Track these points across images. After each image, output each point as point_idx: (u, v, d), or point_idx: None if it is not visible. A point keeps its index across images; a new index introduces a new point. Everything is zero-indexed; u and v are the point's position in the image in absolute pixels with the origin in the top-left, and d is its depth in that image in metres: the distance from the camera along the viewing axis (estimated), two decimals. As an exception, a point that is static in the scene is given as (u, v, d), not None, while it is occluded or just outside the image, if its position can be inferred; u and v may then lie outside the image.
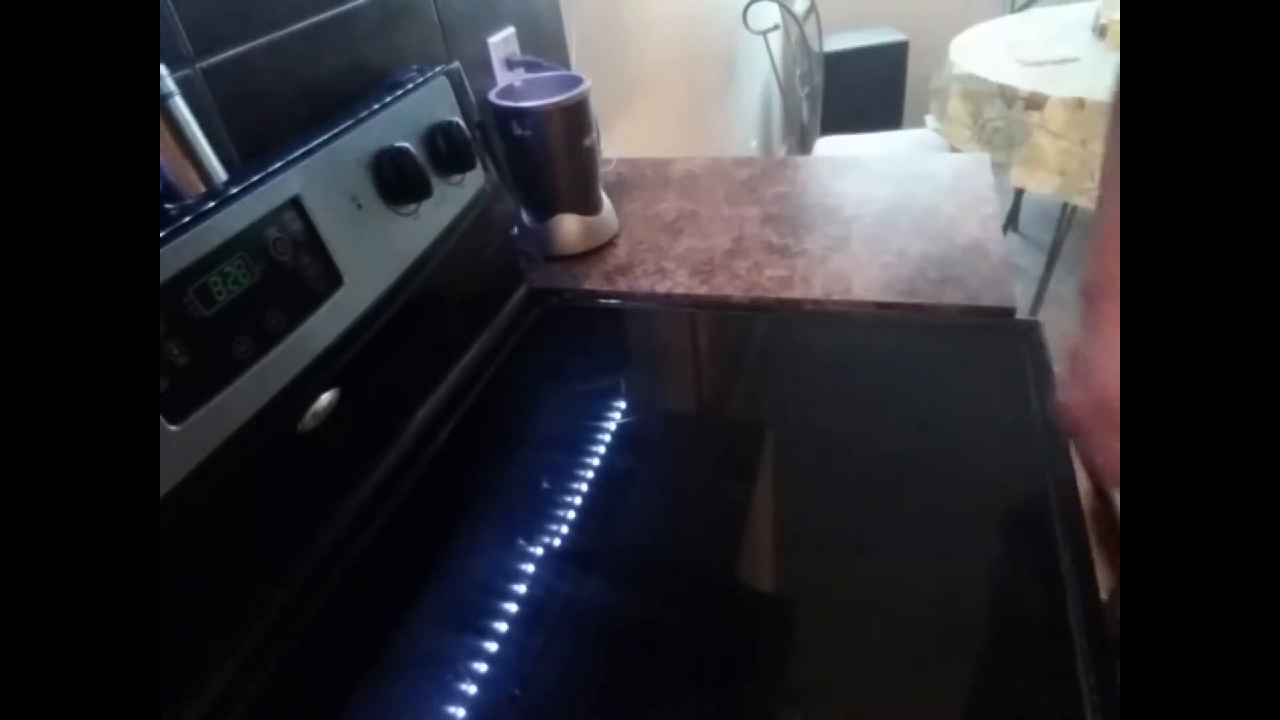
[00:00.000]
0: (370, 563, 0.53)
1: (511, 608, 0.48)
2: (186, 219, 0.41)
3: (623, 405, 0.65)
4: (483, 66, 0.84)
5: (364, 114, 0.55)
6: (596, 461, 0.58)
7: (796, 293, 0.73)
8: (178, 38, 0.48)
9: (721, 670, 0.43)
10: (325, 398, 0.50)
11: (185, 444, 0.40)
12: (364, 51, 0.64)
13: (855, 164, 0.97)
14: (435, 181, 0.61)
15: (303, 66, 0.58)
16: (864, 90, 2.78)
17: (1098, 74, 1.59)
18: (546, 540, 0.52)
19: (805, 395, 0.63)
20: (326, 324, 0.50)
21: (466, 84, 0.67)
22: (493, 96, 0.80)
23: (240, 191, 0.44)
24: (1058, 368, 0.61)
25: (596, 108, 0.83)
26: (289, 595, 0.49)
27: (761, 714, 0.41)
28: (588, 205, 0.85)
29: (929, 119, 2.09)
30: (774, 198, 0.92)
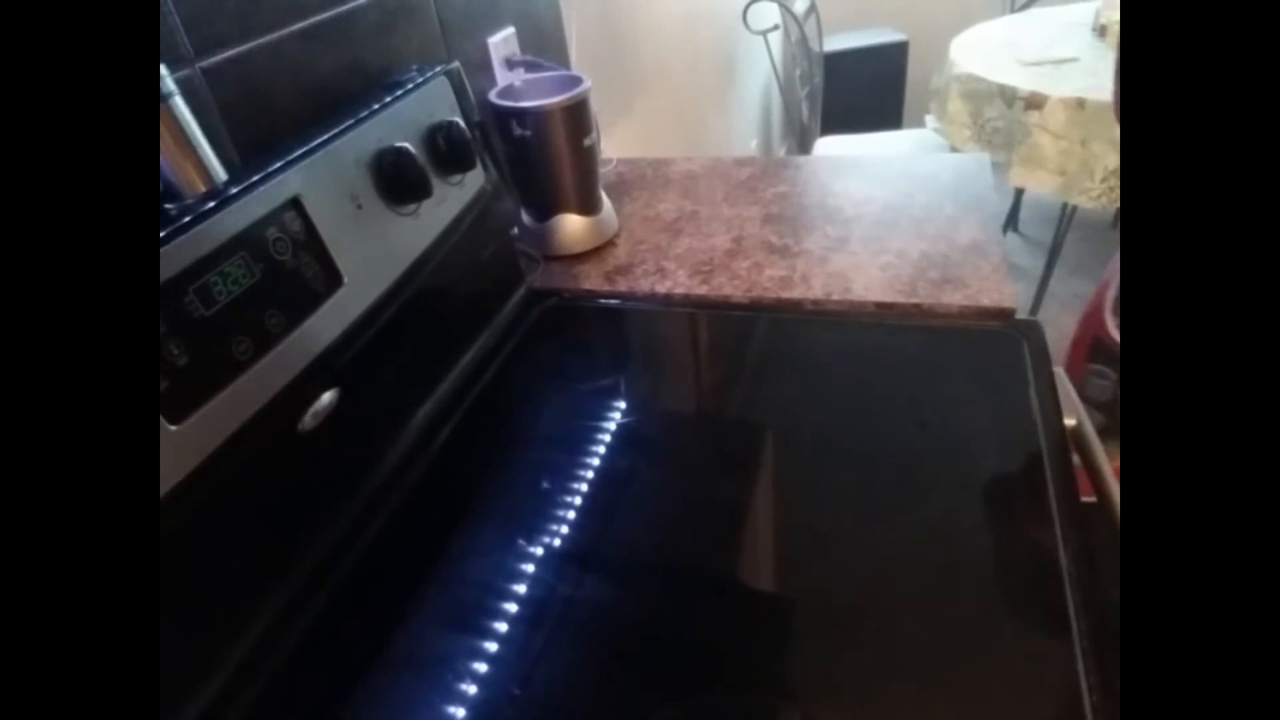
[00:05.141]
0: (370, 562, 0.53)
1: (511, 608, 0.48)
2: (186, 219, 0.41)
3: (623, 405, 0.65)
4: (483, 66, 0.84)
5: (364, 114, 0.55)
6: (596, 461, 0.58)
7: (796, 293, 0.73)
8: (178, 38, 0.48)
9: (721, 670, 0.43)
10: (325, 398, 0.50)
11: (185, 444, 0.40)
12: (364, 51, 0.64)
13: (855, 164, 0.97)
14: (435, 181, 0.61)
15: (303, 66, 0.58)
16: (864, 90, 2.78)
17: (1098, 74, 1.59)
18: (546, 540, 0.52)
19: (805, 395, 0.63)
20: (326, 324, 0.50)
21: (466, 84, 0.67)
22: (493, 96, 0.80)
23: (240, 191, 0.44)
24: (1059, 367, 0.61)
25: (596, 108, 0.83)
26: (289, 595, 0.49)
27: (761, 714, 0.41)
28: (588, 205, 0.85)
29: (929, 119, 2.09)
30: (774, 198, 0.92)
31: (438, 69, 0.64)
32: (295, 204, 0.48)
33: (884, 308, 0.70)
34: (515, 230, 0.86)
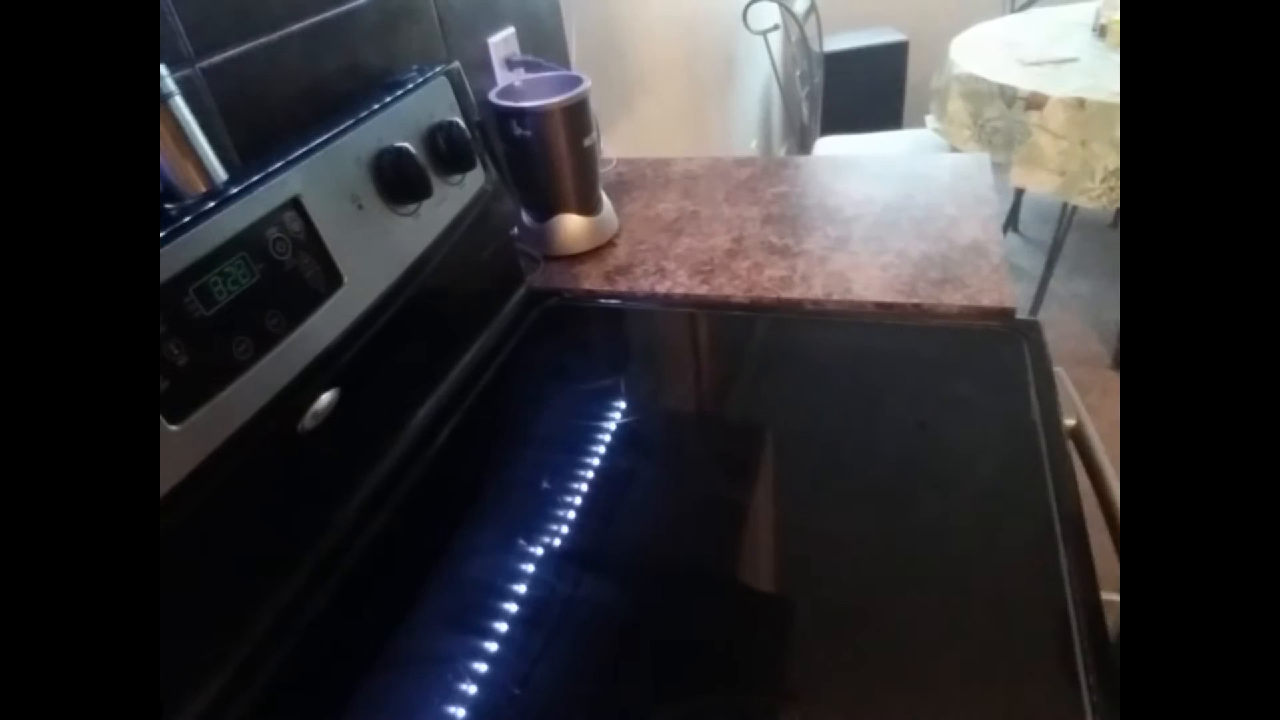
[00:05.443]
0: (370, 562, 0.53)
1: (511, 608, 0.48)
2: (186, 219, 0.41)
3: (623, 405, 0.65)
4: (483, 66, 0.84)
5: (364, 114, 0.55)
6: (596, 461, 0.58)
7: (796, 293, 0.73)
8: (178, 38, 0.48)
9: (721, 670, 0.43)
10: (325, 398, 0.50)
11: (185, 444, 0.40)
12: (364, 51, 0.64)
13: (855, 164, 0.97)
14: (435, 181, 0.61)
15: (303, 66, 0.58)
16: (864, 90, 2.78)
17: (1098, 74, 1.59)
18: (546, 540, 0.52)
19: (805, 395, 0.63)
20: (326, 324, 0.50)
21: (466, 84, 0.67)
22: (493, 96, 0.80)
23: (240, 191, 0.44)
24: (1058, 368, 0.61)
25: (596, 108, 0.83)
26: (289, 595, 0.49)
27: (761, 714, 0.41)
28: (588, 205, 0.85)
29: (929, 119, 2.09)
30: (774, 198, 0.92)
31: (438, 69, 0.64)
32: (295, 204, 0.48)
33: (884, 308, 0.70)
34: (515, 230, 0.86)
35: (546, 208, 0.84)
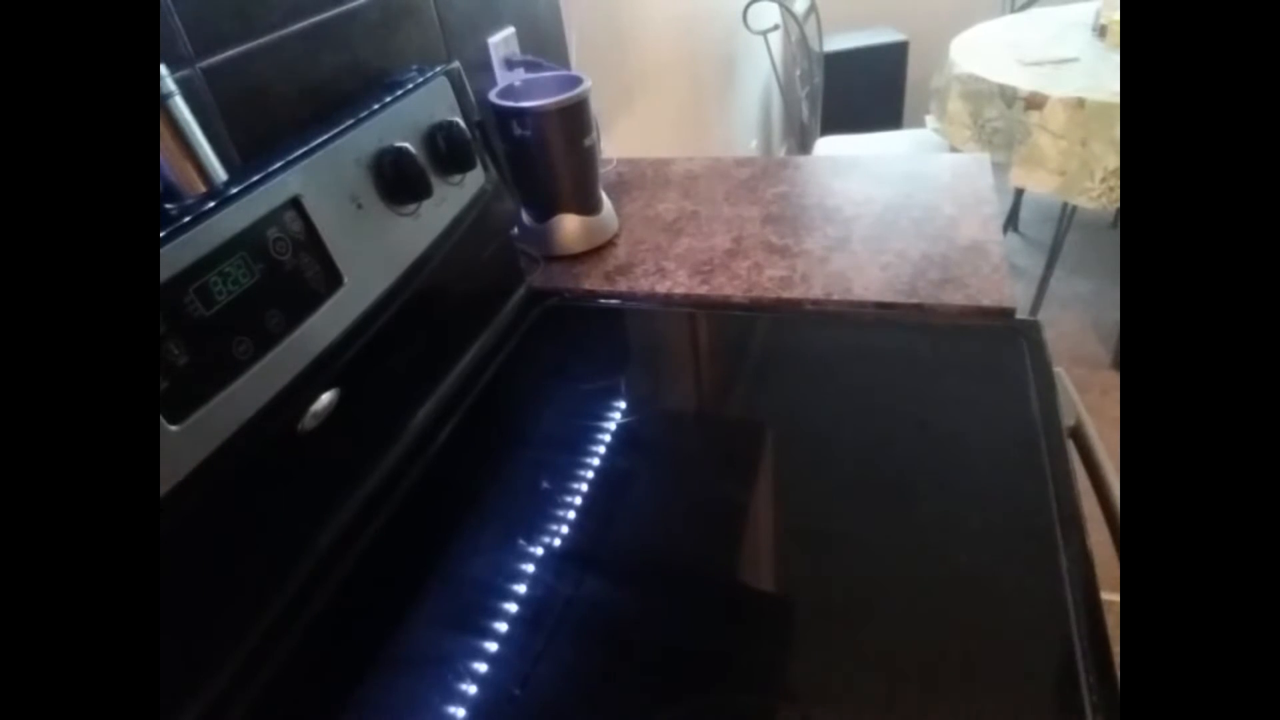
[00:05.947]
0: (370, 563, 0.53)
1: (511, 608, 0.48)
2: (186, 219, 0.41)
3: (623, 405, 0.65)
4: (483, 66, 0.84)
5: (364, 114, 0.55)
6: (596, 461, 0.58)
7: (796, 293, 0.73)
8: (178, 38, 0.48)
9: (721, 670, 0.43)
10: (325, 398, 0.50)
11: (185, 444, 0.40)
12: (364, 51, 0.64)
13: (855, 164, 0.97)
14: (435, 181, 0.61)
15: (303, 66, 0.58)
16: (864, 90, 2.78)
17: (1098, 74, 1.59)
18: (546, 540, 0.52)
19: (805, 395, 0.63)
20: (326, 324, 0.50)
21: (466, 84, 0.67)
22: (493, 96, 0.80)
23: (240, 191, 0.44)
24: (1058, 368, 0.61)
25: (596, 108, 0.83)
26: (289, 595, 0.49)
27: (761, 714, 0.41)
28: (588, 205, 0.85)
29: (929, 119, 2.09)
30: (774, 198, 0.92)
31: (438, 69, 0.64)
32: (295, 204, 0.48)
33: (884, 308, 0.70)
34: (515, 230, 0.86)
35: (546, 208, 0.84)
